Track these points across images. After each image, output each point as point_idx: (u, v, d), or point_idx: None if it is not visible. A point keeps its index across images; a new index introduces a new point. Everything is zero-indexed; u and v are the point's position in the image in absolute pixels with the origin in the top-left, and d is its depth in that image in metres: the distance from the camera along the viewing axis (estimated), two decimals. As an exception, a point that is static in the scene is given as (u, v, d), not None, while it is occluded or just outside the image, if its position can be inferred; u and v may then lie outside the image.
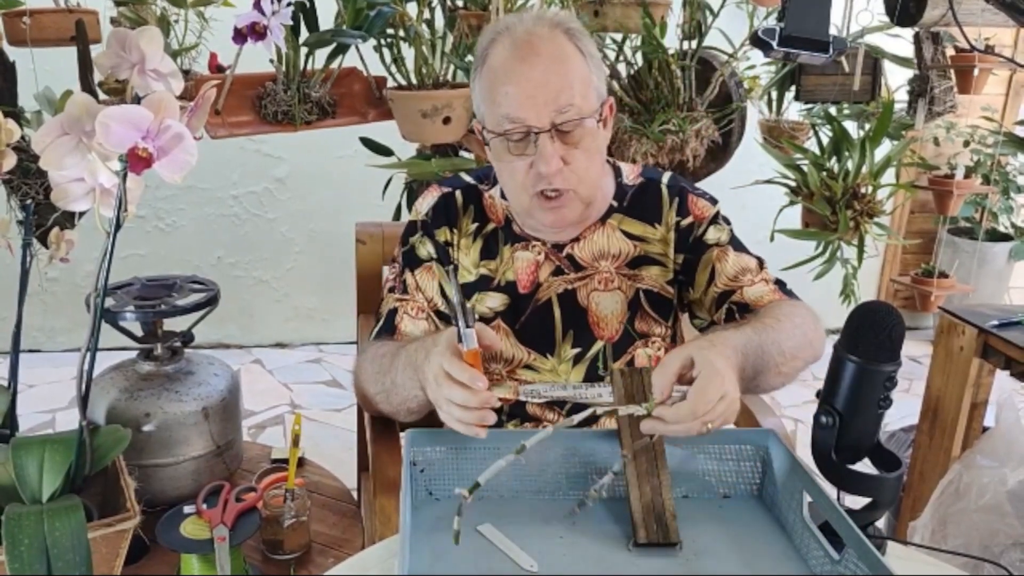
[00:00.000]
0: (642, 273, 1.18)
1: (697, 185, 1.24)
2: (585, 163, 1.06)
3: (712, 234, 1.18)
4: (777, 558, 0.82)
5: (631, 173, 1.22)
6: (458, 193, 1.20)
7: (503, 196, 1.19)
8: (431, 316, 1.18)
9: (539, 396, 1.17)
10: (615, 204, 1.19)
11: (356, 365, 1.16)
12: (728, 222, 1.20)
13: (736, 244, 1.19)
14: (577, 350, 1.16)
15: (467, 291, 1.18)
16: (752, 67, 2.06)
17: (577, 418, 0.86)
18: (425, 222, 1.19)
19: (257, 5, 1.33)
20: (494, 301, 1.18)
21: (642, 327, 1.18)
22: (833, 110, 1.94)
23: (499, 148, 1.07)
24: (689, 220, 1.18)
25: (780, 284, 1.18)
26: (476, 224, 1.19)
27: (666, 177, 1.22)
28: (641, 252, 1.18)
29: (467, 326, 0.86)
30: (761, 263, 1.19)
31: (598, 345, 1.16)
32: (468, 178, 1.23)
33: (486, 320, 1.17)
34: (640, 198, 1.19)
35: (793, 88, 1.97)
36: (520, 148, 1.05)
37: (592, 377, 1.17)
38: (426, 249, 1.19)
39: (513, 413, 1.19)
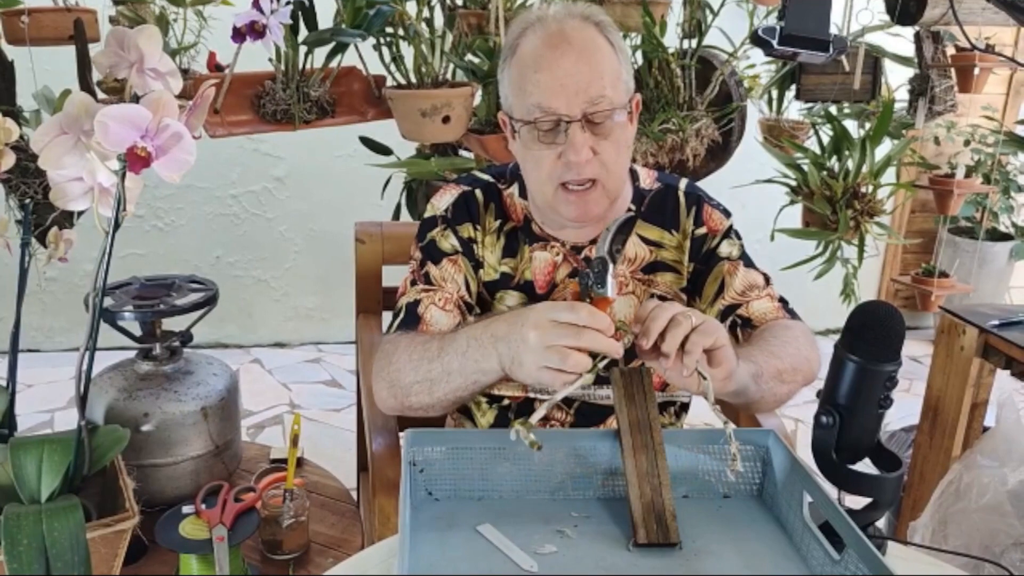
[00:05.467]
0: (657, 279, 1.18)
1: (712, 196, 1.24)
2: (614, 156, 1.06)
3: (725, 248, 1.18)
4: (777, 558, 0.82)
5: (647, 178, 1.22)
6: (478, 191, 1.19)
7: (521, 195, 1.19)
8: (460, 306, 1.15)
9: (546, 395, 1.16)
10: (633, 208, 1.18)
11: (379, 357, 1.10)
12: (739, 236, 1.21)
13: (746, 260, 1.19)
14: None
15: (490, 289, 1.18)
16: (752, 66, 2.06)
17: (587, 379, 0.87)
18: (445, 217, 1.18)
19: (256, 4, 1.33)
20: (512, 299, 1.17)
21: None
22: (833, 109, 1.94)
23: (527, 137, 1.06)
24: (703, 230, 1.18)
25: (783, 302, 1.18)
26: (499, 222, 1.18)
27: (683, 184, 1.22)
28: (657, 258, 1.18)
29: (613, 276, 0.88)
30: (767, 279, 1.19)
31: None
32: (485, 176, 1.22)
33: None
34: (658, 204, 1.19)
35: (793, 87, 1.97)
36: (549, 137, 1.04)
37: (603, 378, 1.17)
38: (449, 242, 1.17)
39: (520, 411, 1.19)
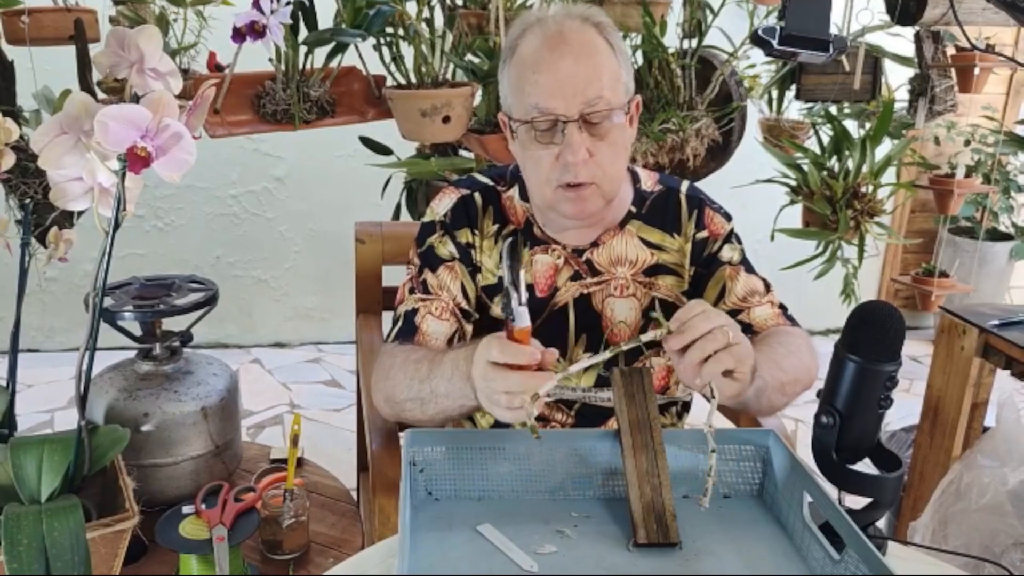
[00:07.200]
0: (658, 282, 1.18)
1: (713, 198, 1.24)
2: (611, 157, 1.06)
3: (726, 252, 1.18)
4: (777, 558, 0.82)
5: (648, 180, 1.21)
6: (476, 195, 1.19)
7: (522, 197, 1.18)
8: (456, 314, 1.15)
9: (548, 396, 1.16)
10: (633, 210, 1.18)
11: (378, 368, 1.11)
12: (740, 241, 1.21)
13: (747, 265, 1.19)
14: (589, 354, 1.16)
15: (488, 293, 1.18)
16: (752, 66, 2.06)
17: (604, 355, 0.87)
18: (444, 222, 1.18)
19: (256, 4, 1.33)
20: None
21: None
22: (834, 109, 1.94)
23: (526, 138, 1.06)
24: (704, 234, 1.18)
25: (783, 308, 1.18)
26: (497, 226, 1.18)
27: (684, 186, 1.21)
28: (658, 261, 1.18)
29: (519, 303, 0.86)
30: (767, 285, 1.19)
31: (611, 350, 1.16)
32: (484, 179, 1.21)
33: (501, 323, 1.16)
34: (659, 206, 1.19)
35: (793, 87, 1.97)
36: (547, 138, 1.04)
37: (603, 382, 1.17)
38: (447, 249, 1.17)
39: None
